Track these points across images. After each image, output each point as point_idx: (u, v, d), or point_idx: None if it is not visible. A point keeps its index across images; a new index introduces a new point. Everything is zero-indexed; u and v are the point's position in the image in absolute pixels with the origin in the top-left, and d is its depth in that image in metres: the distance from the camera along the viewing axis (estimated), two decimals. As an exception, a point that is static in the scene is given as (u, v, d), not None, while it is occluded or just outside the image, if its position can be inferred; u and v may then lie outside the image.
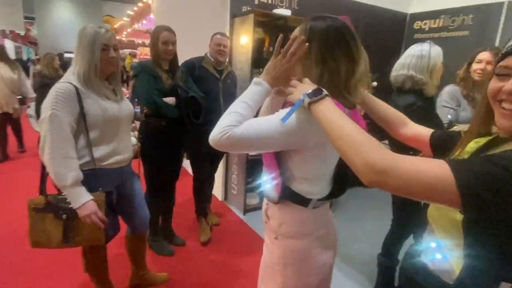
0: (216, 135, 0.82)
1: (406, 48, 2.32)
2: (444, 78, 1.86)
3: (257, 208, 3.22)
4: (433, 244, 0.67)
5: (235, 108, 0.87)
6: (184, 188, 2.92)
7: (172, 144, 2.19)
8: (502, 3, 3.29)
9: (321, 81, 0.84)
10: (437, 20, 3.89)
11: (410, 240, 1.93)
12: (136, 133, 2.01)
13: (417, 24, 4.10)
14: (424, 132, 0.97)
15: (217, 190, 3.30)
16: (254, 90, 0.91)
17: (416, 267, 0.71)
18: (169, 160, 2.22)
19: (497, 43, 3.34)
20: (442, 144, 0.85)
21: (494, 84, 0.58)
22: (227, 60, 2.58)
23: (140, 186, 1.81)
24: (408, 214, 1.82)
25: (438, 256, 0.65)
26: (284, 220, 0.99)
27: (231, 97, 2.56)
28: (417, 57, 1.64)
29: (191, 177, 2.72)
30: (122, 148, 1.58)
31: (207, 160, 2.58)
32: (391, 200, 1.95)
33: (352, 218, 3.18)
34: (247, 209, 3.11)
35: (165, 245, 2.40)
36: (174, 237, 2.53)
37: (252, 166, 3.11)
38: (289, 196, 0.96)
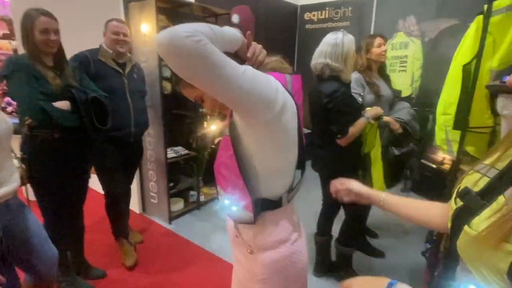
0: (179, 33, 0.61)
1: (299, 38, 2.43)
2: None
3: (184, 213, 2.97)
4: (472, 287, 0.57)
5: (207, 25, 0.68)
6: (92, 207, 2.44)
7: (71, 160, 1.75)
8: (372, -3, 3.85)
9: None
10: (323, 12, 4.28)
11: (340, 217, 2.08)
12: (18, 152, 1.52)
13: (307, 15, 4.43)
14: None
15: (133, 202, 2.89)
16: (232, 31, 0.78)
17: None
18: (70, 180, 1.78)
19: (371, 32, 3.90)
20: None
21: None
22: (129, 51, 2.21)
23: (36, 219, 1.39)
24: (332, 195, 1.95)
25: None
26: (259, 230, 0.88)
27: (140, 95, 2.23)
28: (332, 46, 1.72)
29: (99, 193, 2.28)
30: (3, 178, 1.16)
31: (120, 171, 2.19)
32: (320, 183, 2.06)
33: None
34: (172, 217, 2.83)
35: (80, 283, 1.95)
36: (90, 269, 2.09)
37: (172, 169, 2.84)
38: (262, 207, 0.85)
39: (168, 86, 2.72)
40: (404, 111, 2.27)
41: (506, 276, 0.49)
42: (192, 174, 3.15)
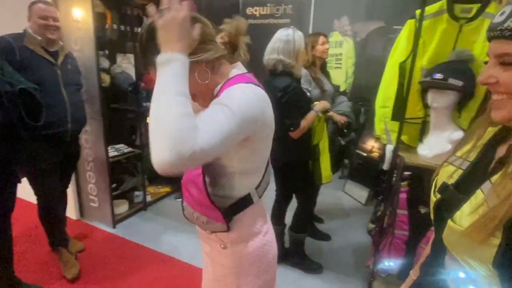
0: (172, 159, 0.58)
1: None
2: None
3: (129, 215, 2.78)
4: (461, 275, 0.58)
5: (175, 109, 0.61)
6: (21, 217, 2.13)
7: (-3, 162, 1.50)
8: (311, -4, 4.05)
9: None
10: (265, 8, 4.36)
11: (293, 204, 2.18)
12: None
13: (249, 10, 4.46)
14: None
15: (68, 208, 2.61)
16: (175, 72, 0.65)
17: None
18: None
19: (310, 30, 4.12)
20: None
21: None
22: (60, 39, 1.96)
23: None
24: (285, 186, 2.04)
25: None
26: (232, 227, 0.87)
27: (76, 88, 2.00)
28: (284, 42, 1.78)
29: (26, 202, 2.00)
30: None
31: (55, 173, 1.95)
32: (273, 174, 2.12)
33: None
34: (117, 220, 2.62)
35: (11, 304, 1.70)
36: (22, 287, 1.83)
37: (115, 169, 2.63)
38: (234, 210, 0.86)
39: (106, 78, 2.49)
40: (344, 104, 2.46)
41: (492, 266, 0.51)
42: (136, 174, 2.96)
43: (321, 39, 2.29)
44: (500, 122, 0.56)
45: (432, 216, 0.67)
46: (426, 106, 1.57)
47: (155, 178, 3.26)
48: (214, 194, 0.83)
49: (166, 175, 0.61)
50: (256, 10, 4.41)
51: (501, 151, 0.58)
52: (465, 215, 0.55)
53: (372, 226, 1.86)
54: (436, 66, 1.46)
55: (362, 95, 3.92)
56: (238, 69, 0.87)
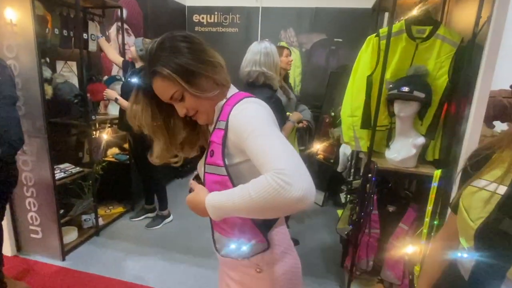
0: (298, 203, 0.62)
1: None
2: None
3: (80, 243, 2.46)
4: None
5: (253, 201, 0.66)
6: None
7: None
8: (258, 7, 4.15)
9: (212, 91, 0.81)
10: (212, 16, 4.33)
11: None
12: None
13: (195, 17, 4.37)
14: None
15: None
16: (223, 205, 0.71)
17: None
18: None
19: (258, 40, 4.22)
20: None
21: None
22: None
23: None
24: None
25: None
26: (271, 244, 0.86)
27: (9, 102, 1.68)
28: (264, 55, 1.80)
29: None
30: None
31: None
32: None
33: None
34: (66, 251, 2.29)
35: None
36: None
37: (62, 191, 2.30)
38: (266, 226, 0.86)
39: (48, 89, 2.18)
40: (305, 112, 2.58)
41: None
42: (83, 195, 2.63)
43: (285, 51, 2.37)
44: None
45: (473, 242, 0.67)
46: (391, 115, 1.75)
47: (104, 198, 2.94)
48: None
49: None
50: (203, 18, 4.34)
51: None
52: None
53: (348, 227, 1.97)
54: (400, 80, 1.63)
55: (309, 102, 4.15)
56: (232, 88, 0.88)
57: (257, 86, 1.81)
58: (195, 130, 0.93)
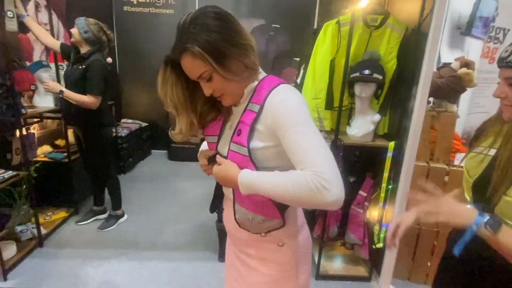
0: (331, 203, 0.69)
1: (118, 20, 2.23)
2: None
3: (21, 259, 2.11)
4: None
5: (290, 186, 0.71)
6: None
7: None
8: (194, -12, 3.98)
9: (247, 71, 0.79)
10: (143, -5, 3.98)
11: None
12: None
13: (124, -4, 3.96)
14: None
15: None
16: (258, 179, 0.77)
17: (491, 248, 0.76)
18: None
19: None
20: None
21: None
22: None
23: None
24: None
25: None
26: (286, 222, 0.90)
27: None
28: None
29: None
30: None
31: None
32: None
33: (147, 207, 2.96)
34: (7, 269, 1.95)
35: None
36: None
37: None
38: (284, 205, 0.87)
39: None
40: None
41: None
42: (14, 204, 2.24)
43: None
44: (508, 119, 0.80)
45: (471, 193, 0.87)
46: (351, 96, 1.94)
47: (40, 204, 2.55)
48: None
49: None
50: (133, -3, 3.96)
51: None
52: None
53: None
54: (360, 64, 1.82)
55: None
56: (261, 71, 0.87)
57: None
58: (214, 107, 0.91)
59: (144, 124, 4.21)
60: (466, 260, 0.87)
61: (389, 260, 2.05)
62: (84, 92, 2.15)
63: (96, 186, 2.63)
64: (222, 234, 2.23)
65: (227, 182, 0.82)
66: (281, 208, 0.86)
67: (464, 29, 2.32)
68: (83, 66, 2.14)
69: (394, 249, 1.99)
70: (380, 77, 1.75)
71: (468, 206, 0.83)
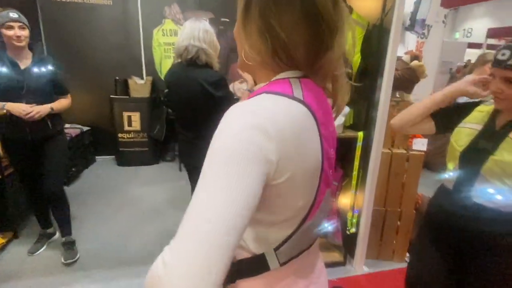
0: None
1: (43, 10, 1.95)
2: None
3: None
4: (491, 190, 0.94)
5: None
6: None
7: None
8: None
9: (274, 56, 0.54)
10: (74, -17, 3.52)
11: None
12: None
13: (50, -17, 3.45)
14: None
15: None
16: None
17: (473, 208, 0.98)
18: None
19: (139, 14, 3.75)
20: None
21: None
22: None
23: None
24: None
25: (499, 197, 0.93)
26: None
27: None
28: (203, 31, 1.66)
29: None
30: None
31: None
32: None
33: (103, 221, 2.66)
34: None
35: None
36: None
37: None
38: (239, 272, 0.59)
39: None
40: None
41: None
42: None
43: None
44: (499, 108, 1.00)
45: (458, 161, 1.05)
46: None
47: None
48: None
49: None
50: (62, -15, 3.48)
51: (499, 119, 1.02)
52: (506, 152, 0.93)
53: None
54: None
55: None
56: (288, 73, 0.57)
57: (198, 65, 1.68)
58: None
59: (85, 128, 3.77)
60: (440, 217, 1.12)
61: (362, 243, 2.18)
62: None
63: (42, 205, 2.24)
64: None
65: None
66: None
67: (408, 25, 2.55)
68: None
69: (365, 235, 2.13)
70: (349, 70, 1.83)
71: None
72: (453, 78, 5.08)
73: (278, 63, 0.55)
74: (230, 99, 1.75)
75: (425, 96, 1.62)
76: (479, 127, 1.03)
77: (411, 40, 3.02)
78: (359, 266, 2.21)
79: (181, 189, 3.29)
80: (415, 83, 2.13)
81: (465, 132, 1.05)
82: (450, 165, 1.08)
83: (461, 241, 1.05)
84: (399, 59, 2.23)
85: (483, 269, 1.01)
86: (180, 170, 3.85)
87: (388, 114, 1.92)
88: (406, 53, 2.26)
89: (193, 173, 1.95)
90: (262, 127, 0.45)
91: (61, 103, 2.04)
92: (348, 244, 2.25)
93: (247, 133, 0.45)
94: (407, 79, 2.06)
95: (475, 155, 0.99)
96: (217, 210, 0.41)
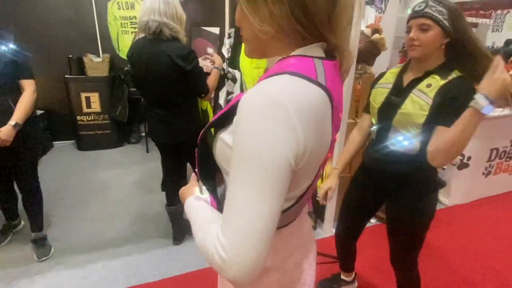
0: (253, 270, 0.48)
1: None
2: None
3: None
4: (400, 138, 1.15)
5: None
6: None
7: None
8: None
9: (291, 18, 0.51)
10: None
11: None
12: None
13: None
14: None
15: None
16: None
17: (388, 153, 1.20)
18: None
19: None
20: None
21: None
22: None
23: None
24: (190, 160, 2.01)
25: (406, 143, 1.14)
26: None
27: None
28: (164, 3, 1.59)
29: None
30: None
31: None
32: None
33: (72, 209, 2.56)
34: None
35: None
36: None
37: None
38: None
39: None
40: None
41: (422, 126, 1.07)
42: None
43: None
44: (413, 57, 1.13)
45: (376, 116, 1.24)
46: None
47: None
48: None
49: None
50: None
51: (406, 78, 1.19)
52: (409, 106, 1.11)
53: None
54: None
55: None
56: (308, 49, 0.55)
57: (164, 40, 1.62)
58: None
59: (39, 112, 3.48)
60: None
61: (331, 208, 2.34)
62: None
63: (11, 197, 2.10)
64: (174, 217, 2.14)
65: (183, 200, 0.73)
66: None
67: (369, -1, 2.63)
68: None
69: (333, 201, 2.28)
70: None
71: None
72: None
73: (297, 29, 0.52)
74: (201, 74, 1.72)
75: (382, 69, 1.75)
76: (390, 85, 1.22)
77: (371, 14, 3.13)
78: (329, 229, 2.38)
79: (150, 170, 3.23)
80: (376, 56, 2.25)
81: (380, 92, 1.24)
82: (373, 120, 1.28)
83: (381, 179, 1.31)
84: (361, 33, 2.32)
85: (397, 199, 1.29)
86: (148, 151, 3.75)
87: (352, 86, 2.03)
88: (367, 27, 2.35)
89: (182, 147, 1.90)
90: (290, 120, 0.46)
91: (24, 105, 1.68)
92: (318, 210, 2.40)
93: (276, 129, 0.45)
94: (369, 52, 2.16)
95: (388, 110, 1.18)
96: (262, 212, 0.47)
